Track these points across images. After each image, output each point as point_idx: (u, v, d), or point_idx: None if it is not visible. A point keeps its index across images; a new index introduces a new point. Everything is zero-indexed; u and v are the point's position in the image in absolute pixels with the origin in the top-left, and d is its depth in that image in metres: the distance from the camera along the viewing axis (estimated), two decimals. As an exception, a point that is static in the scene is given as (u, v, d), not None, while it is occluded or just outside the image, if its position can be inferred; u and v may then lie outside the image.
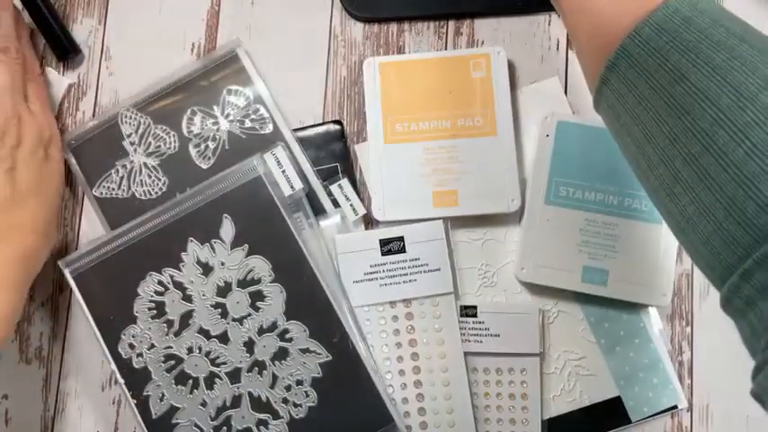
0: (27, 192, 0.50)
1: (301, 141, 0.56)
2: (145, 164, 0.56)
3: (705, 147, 0.30)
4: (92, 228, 0.57)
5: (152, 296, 0.52)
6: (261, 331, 0.52)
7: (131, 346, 0.52)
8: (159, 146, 0.56)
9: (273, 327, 0.52)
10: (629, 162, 0.38)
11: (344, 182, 0.55)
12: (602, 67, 0.36)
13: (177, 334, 0.52)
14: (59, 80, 0.58)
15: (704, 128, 0.30)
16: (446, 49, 0.58)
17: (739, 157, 0.29)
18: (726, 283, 0.31)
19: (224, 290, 0.52)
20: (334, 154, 0.56)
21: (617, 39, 0.34)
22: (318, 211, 0.55)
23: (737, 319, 0.31)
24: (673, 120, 0.32)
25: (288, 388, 0.52)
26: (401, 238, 0.54)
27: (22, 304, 0.49)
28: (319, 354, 0.52)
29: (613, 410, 0.54)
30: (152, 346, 0.52)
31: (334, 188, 0.55)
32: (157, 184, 0.56)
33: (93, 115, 0.58)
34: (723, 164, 0.30)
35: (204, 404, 0.52)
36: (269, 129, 0.56)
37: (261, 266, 0.52)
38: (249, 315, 0.52)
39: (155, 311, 0.52)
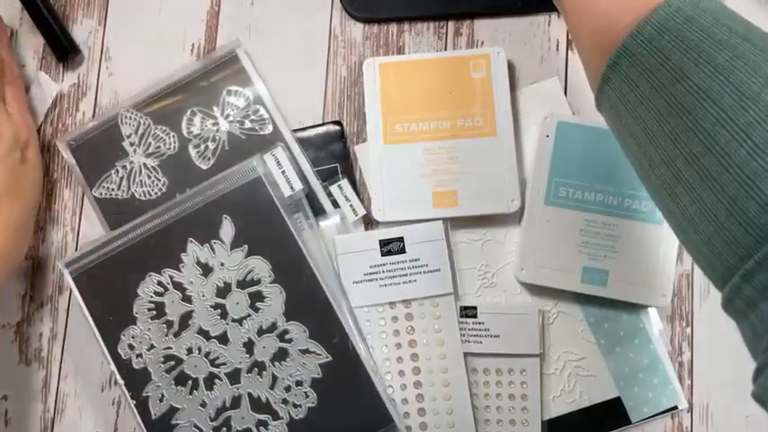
0: (1, 193, 0.50)
1: (301, 142, 0.56)
2: (144, 164, 0.56)
3: (707, 146, 0.30)
4: (91, 228, 0.57)
5: (152, 297, 0.52)
6: (260, 332, 0.52)
7: (131, 347, 0.52)
8: (159, 146, 0.56)
9: (273, 327, 0.52)
10: (630, 162, 0.37)
11: (344, 182, 0.55)
12: (604, 65, 0.36)
13: (177, 335, 0.52)
14: (50, 85, 0.58)
15: (706, 127, 0.30)
16: (446, 49, 0.58)
17: (741, 157, 0.29)
18: (727, 283, 0.31)
19: (223, 290, 0.52)
20: (334, 154, 0.56)
21: (618, 37, 0.34)
22: (318, 211, 0.55)
23: (739, 320, 0.31)
24: (674, 119, 0.32)
25: (287, 389, 0.52)
26: (401, 239, 0.54)
27: None
28: (319, 354, 0.52)
29: (613, 411, 0.54)
30: (152, 346, 0.52)
31: (333, 189, 0.55)
32: (157, 185, 0.56)
33: (93, 116, 0.58)
34: (725, 164, 0.30)
35: (204, 405, 0.52)
36: (269, 129, 0.56)
37: (260, 267, 0.52)
38: (249, 316, 0.52)
39: (154, 312, 0.52)
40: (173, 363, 0.52)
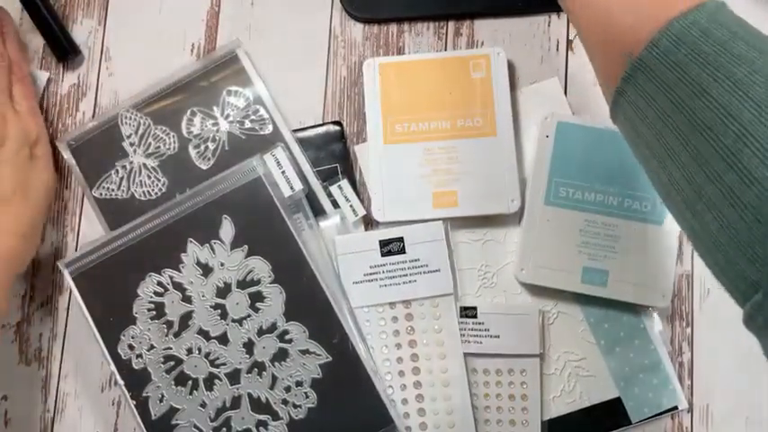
0: (10, 192, 0.50)
1: (301, 142, 0.56)
2: (144, 164, 0.56)
3: (729, 164, 0.30)
4: (91, 228, 0.57)
5: (151, 297, 0.52)
6: (260, 332, 0.52)
7: (131, 347, 0.52)
8: (159, 146, 0.56)
9: (273, 328, 0.52)
10: (647, 174, 0.37)
11: (344, 183, 0.55)
12: (618, 78, 0.35)
13: (177, 335, 0.52)
14: (39, 75, 0.58)
15: (728, 144, 0.30)
16: (446, 49, 0.58)
17: (763, 175, 0.29)
18: (749, 300, 0.30)
19: (223, 291, 0.52)
20: (334, 155, 0.56)
21: (633, 50, 0.34)
22: (318, 211, 0.55)
23: (761, 336, 0.31)
24: (695, 136, 0.31)
25: (287, 389, 0.52)
26: (401, 239, 0.54)
27: (3, 305, 0.49)
28: (319, 355, 0.52)
29: (613, 411, 0.54)
30: (151, 347, 0.52)
31: (333, 189, 0.55)
32: (157, 185, 0.56)
33: (93, 116, 0.58)
34: (747, 181, 0.29)
35: (204, 405, 0.52)
36: (269, 129, 0.56)
37: (260, 267, 0.52)
38: (249, 316, 0.52)
39: (154, 312, 0.52)
40: (173, 363, 0.52)
